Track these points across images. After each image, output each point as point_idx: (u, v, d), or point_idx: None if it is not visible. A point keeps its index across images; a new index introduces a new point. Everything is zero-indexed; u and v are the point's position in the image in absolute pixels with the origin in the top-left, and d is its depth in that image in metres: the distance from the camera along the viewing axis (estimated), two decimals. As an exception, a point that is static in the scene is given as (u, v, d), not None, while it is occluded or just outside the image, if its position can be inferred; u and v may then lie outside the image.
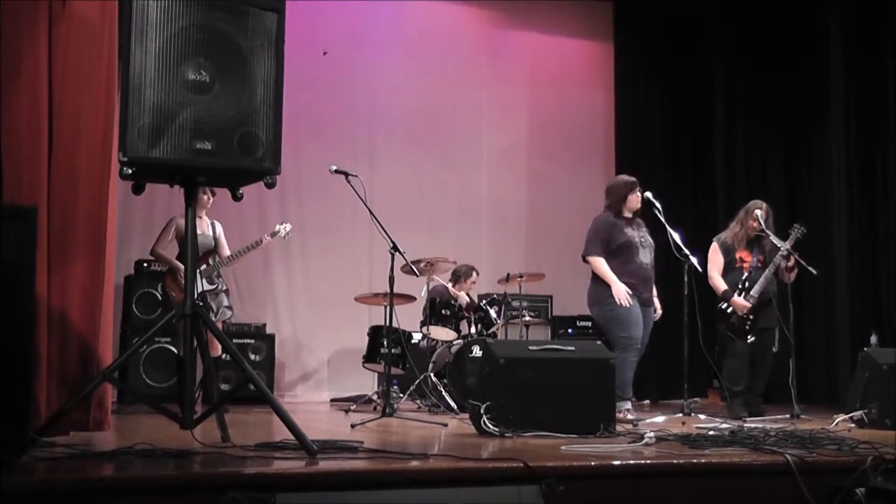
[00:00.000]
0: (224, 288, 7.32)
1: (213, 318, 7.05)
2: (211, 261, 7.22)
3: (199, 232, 7.12)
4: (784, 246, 7.13)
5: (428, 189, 10.51)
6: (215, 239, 7.35)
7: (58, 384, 3.94)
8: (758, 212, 7.32)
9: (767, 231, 7.26)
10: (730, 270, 7.33)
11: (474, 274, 8.77)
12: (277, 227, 7.52)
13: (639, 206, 6.96)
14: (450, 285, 8.76)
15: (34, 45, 3.92)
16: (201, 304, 6.89)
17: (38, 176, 3.89)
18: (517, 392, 4.89)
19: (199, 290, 7.09)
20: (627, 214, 6.94)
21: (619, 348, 6.49)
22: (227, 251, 7.36)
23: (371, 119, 10.40)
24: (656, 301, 7.07)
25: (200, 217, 7.28)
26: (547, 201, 10.97)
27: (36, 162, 3.88)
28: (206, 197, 7.16)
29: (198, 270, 7.10)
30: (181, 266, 6.99)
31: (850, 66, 9.25)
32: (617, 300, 6.69)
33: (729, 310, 7.20)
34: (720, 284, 7.29)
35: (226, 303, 7.30)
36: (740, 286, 7.18)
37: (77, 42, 4.06)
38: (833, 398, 8.97)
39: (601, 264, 6.82)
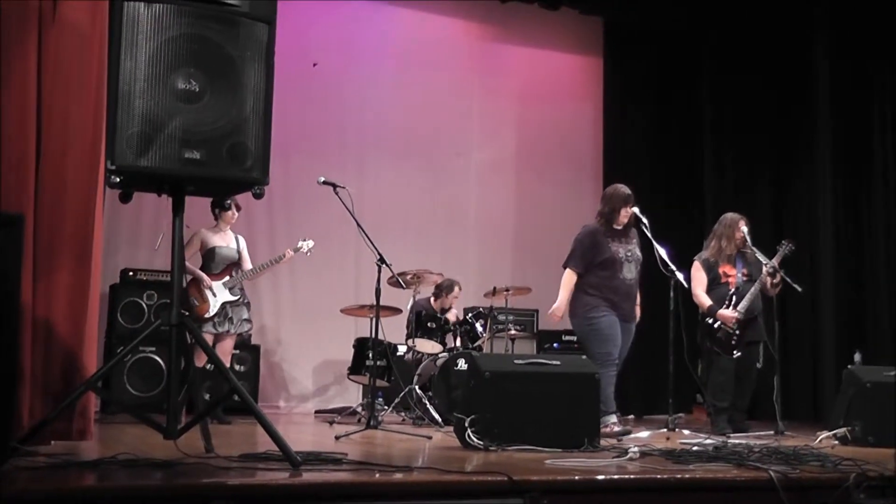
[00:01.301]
0: (246, 300, 7.43)
1: (232, 330, 7.31)
2: (234, 273, 7.38)
3: (224, 244, 7.45)
4: (769, 263, 7.15)
5: (415, 202, 10.51)
6: (238, 252, 7.51)
7: (41, 393, 3.92)
8: (744, 227, 7.35)
9: (753, 247, 7.29)
10: (715, 286, 7.33)
11: (456, 288, 8.75)
12: (300, 243, 7.65)
13: (626, 221, 6.90)
14: (432, 300, 8.77)
15: (23, 52, 3.91)
16: (221, 312, 7.25)
17: (26, 183, 3.88)
18: (502, 406, 4.89)
19: (222, 300, 7.27)
20: (616, 227, 6.89)
21: (595, 363, 6.08)
22: (249, 264, 7.53)
23: (360, 131, 10.40)
24: (637, 309, 7.02)
25: (225, 231, 7.51)
26: (534, 215, 10.98)
27: (23, 169, 3.87)
28: (230, 213, 7.40)
29: (221, 282, 7.32)
30: (204, 276, 7.26)
31: (837, 84, 9.33)
32: (551, 313, 6.81)
33: (715, 325, 7.20)
34: (705, 301, 7.29)
35: (245, 315, 7.43)
36: (727, 301, 7.19)
37: (67, 49, 4.05)
38: (817, 415, 9.02)
39: (568, 279, 6.81)
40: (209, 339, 7.05)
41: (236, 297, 7.35)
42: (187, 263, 7.27)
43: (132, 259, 8.88)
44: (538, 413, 4.91)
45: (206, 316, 7.14)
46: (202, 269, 7.33)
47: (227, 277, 7.36)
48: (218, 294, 7.27)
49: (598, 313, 6.70)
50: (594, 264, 6.76)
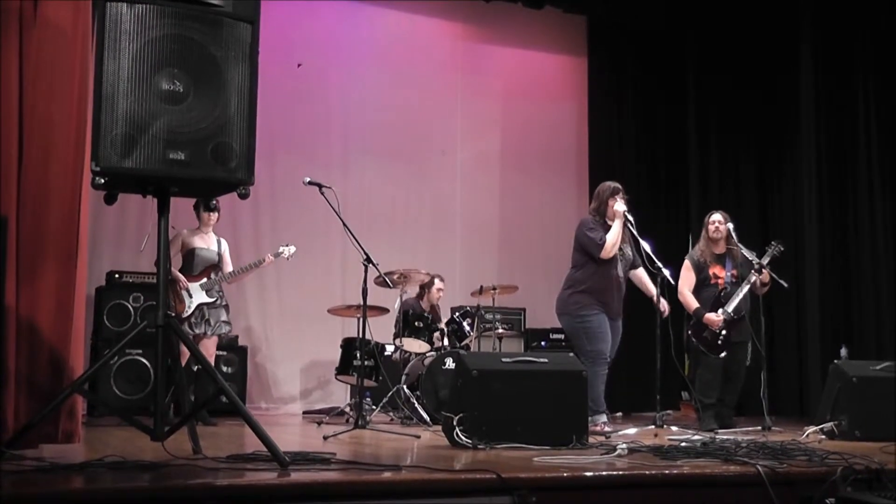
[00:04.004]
0: (224, 303, 7.43)
1: (210, 332, 7.30)
2: (213, 275, 7.39)
3: (204, 246, 7.46)
4: (757, 261, 7.16)
5: (401, 202, 10.52)
6: (219, 255, 7.53)
7: (27, 396, 3.90)
8: (718, 216, 7.37)
9: (739, 245, 7.30)
10: (704, 287, 7.32)
11: (437, 282, 8.76)
12: (281, 249, 7.66)
13: (618, 211, 6.79)
14: (419, 299, 8.76)
15: (5, 53, 3.89)
16: (197, 314, 7.26)
17: (9, 185, 3.85)
18: (490, 404, 4.88)
19: (198, 301, 7.26)
20: (609, 222, 6.88)
21: (585, 361, 6.18)
22: (229, 267, 7.57)
23: (344, 131, 10.39)
24: (664, 303, 6.98)
25: (207, 233, 7.52)
26: (520, 214, 11.00)
27: (6, 171, 3.85)
28: (207, 215, 7.42)
29: (198, 284, 7.31)
30: (181, 277, 7.26)
31: (821, 80, 9.35)
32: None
33: (701, 325, 7.21)
34: (692, 302, 7.28)
35: (224, 317, 7.43)
36: (716, 301, 7.18)
37: (49, 51, 4.03)
38: (804, 410, 9.06)
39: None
40: None
41: (213, 299, 7.34)
42: None
43: (118, 261, 8.85)
44: (526, 411, 4.91)
45: (182, 317, 7.14)
46: (181, 270, 7.33)
47: (205, 279, 7.34)
48: (194, 295, 7.26)
49: (589, 311, 6.72)
50: (590, 255, 6.76)
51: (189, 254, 7.37)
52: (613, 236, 6.71)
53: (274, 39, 8.33)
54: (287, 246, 7.68)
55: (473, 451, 4.62)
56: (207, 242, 7.49)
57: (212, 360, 7.48)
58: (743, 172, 10.65)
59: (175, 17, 3.51)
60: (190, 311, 7.19)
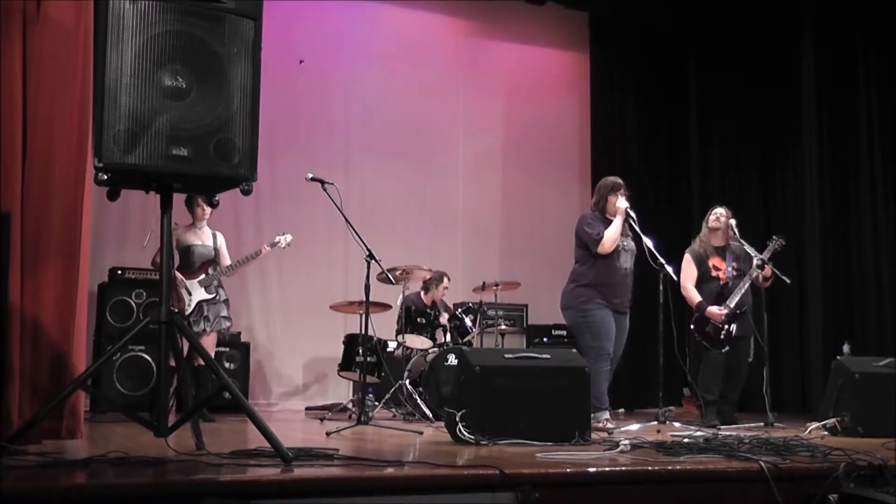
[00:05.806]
0: (223, 298, 7.39)
1: (209, 329, 7.25)
2: (211, 270, 7.35)
3: (199, 242, 7.41)
4: (758, 256, 7.15)
5: (403, 198, 10.50)
6: (216, 249, 7.49)
7: (30, 392, 3.91)
8: (720, 210, 7.38)
9: (741, 240, 7.29)
10: (705, 280, 7.32)
11: (445, 280, 8.76)
12: (278, 238, 7.63)
13: (620, 208, 6.77)
14: (422, 294, 8.76)
15: (8, 51, 3.89)
16: (197, 312, 7.21)
17: (12, 181, 3.86)
18: (493, 400, 4.88)
19: (198, 299, 7.23)
20: (609, 217, 6.86)
21: (588, 357, 6.18)
22: (227, 261, 7.52)
23: (347, 128, 10.38)
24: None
25: (201, 228, 7.47)
26: (522, 211, 10.99)
27: (9, 167, 3.85)
28: (200, 210, 7.34)
29: (197, 280, 7.27)
30: (178, 275, 7.19)
31: (823, 78, 9.34)
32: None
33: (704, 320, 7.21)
34: (694, 296, 7.28)
35: (223, 313, 7.38)
36: (718, 296, 7.18)
37: (51, 48, 4.04)
38: (806, 406, 9.05)
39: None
40: None
41: (212, 296, 7.30)
42: None
43: (120, 258, 8.85)
44: (529, 407, 4.91)
45: (184, 315, 7.08)
46: (179, 267, 7.25)
47: (203, 275, 7.30)
48: (193, 293, 7.23)
49: (591, 306, 6.68)
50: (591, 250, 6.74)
51: (185, 251, 7.30)
52: (612, 232, 6.69)
53: (276, 36, 8.32)
54: (283, 235, 7.66)
55: (476, 447, 4.62)
56: (202, 238, 7.43)
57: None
58: (745, 169, 10.64)
59: (178, 13, 3.50)
60: (190, 309, 7.16)
